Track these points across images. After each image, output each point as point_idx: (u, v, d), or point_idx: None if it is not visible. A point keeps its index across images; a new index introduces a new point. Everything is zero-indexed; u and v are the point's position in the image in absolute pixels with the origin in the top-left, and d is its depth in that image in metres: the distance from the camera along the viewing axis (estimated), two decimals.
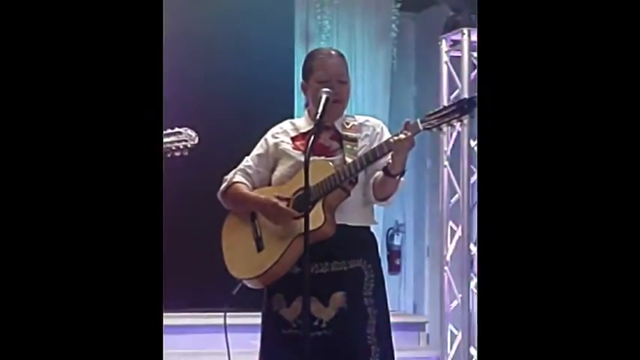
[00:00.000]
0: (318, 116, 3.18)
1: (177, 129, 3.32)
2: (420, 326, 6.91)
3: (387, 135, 3.39)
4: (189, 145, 3.31)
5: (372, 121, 3.52)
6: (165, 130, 3.28)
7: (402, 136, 3.18)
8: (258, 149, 3.54)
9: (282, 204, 3.32)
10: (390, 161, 3.23)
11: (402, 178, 3.27)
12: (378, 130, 3.47)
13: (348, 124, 3.46)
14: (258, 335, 3.44)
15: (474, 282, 5.79)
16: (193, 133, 3.32)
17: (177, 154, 3.30)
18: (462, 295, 5.86)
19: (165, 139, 3.27)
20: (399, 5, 6.58)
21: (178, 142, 3.30)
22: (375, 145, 3.32)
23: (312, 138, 3.02)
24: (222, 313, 3.44)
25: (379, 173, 3.30)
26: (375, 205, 3.44)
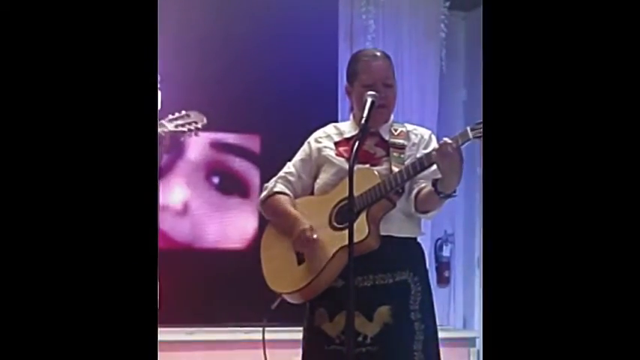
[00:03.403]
0: (362, 121, 3.18)
1: (184, 112, 3.62)
2: (470, 342, 6.86)
3: (434, 144, 3.36)
4: (199, 127, 3.61)
5: (421, 130, 3.51)
6: (174, 114, 3.61)
7: (447, 139, 3.15)
8: (300, 154, 3.54)
9: (317, 230, 3.32)
10: (441, 177, 3.18)
11: (447, 200, 3.24)
12: (426, 137, 3.45)
13: (396, 130, 3.45)
14: (299, 351, 3.45)
15: None
16: (201, 115, 3.65)
17: (189, 136, 3.62)
18: None
19: (176, 122, 3.57)
20: (447, 4, 6.55)
21: (189, 124, 3.59)
22: (422, 153, 3.31)
23: (357, 145, 3.01)
24: (261, 329, 3.45)
25: (426, 185, 3.28)
26: None
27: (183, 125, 3.56)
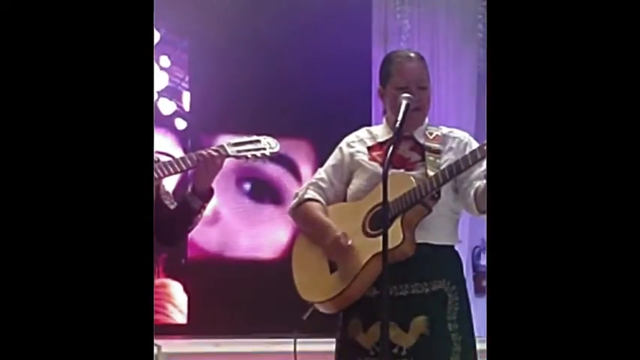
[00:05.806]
0: (396, 125, 3.17)
1: (255, 137, 3.46)
2: None
3: (474, 146, 3.34)
4: (267, 153, 3.45)
5: (458, 132, 3.49)
6: (242, 137, 3.45)
7: None
8: (332, 159, 3.54)
9: (350, 236, 3.31)
10: None
11: None
12: (465, 141, 3.44)
13: (431, 134, 3.44)
14: None
15: None
16: (274, 142, 3.47)
17: (253, 161, 3.49)
18: None
19: (240, 147, 3.41)
20: (485, 3, 6.53)
21: (256, 150, 3.42)
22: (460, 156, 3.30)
23: (391, 149, 3.01)
24: (292, 340, 3.45)
25: (481, 183, 3.26)
26: (459, 223, 3.42)
27: (248, 151, 3.42)
